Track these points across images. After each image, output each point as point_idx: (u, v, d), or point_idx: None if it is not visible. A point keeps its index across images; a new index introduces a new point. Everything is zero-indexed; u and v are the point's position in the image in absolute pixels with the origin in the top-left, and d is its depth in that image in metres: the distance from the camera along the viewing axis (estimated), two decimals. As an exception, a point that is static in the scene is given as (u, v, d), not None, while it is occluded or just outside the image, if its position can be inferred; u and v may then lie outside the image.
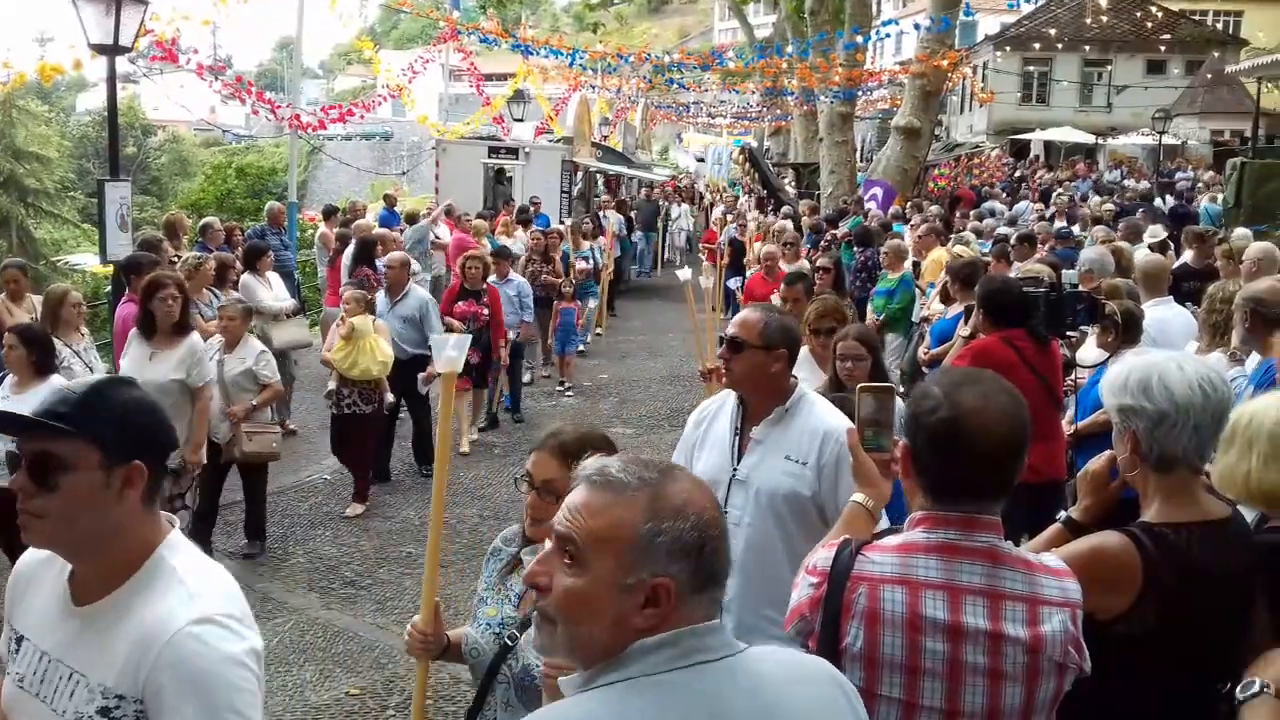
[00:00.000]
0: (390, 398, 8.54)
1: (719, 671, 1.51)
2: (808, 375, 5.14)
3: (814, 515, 3.36)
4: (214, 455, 6.87)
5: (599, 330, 15.99)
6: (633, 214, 22.95)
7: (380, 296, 9.04)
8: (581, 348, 13.97)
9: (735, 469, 3.49)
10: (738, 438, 3.53)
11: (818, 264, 8.81)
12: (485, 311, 9.72)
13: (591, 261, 14.78)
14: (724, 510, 2.67)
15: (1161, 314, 6.57)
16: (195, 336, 6.64)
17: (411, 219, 15.76)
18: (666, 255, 25.33)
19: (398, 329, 8.77)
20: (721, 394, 3.73)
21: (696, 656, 1.51)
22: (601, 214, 20.05)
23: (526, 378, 12.36)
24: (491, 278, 10.34)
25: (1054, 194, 21.65)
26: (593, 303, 14.82)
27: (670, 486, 1.58)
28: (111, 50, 9.51)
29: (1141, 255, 9.26)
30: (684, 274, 6.82)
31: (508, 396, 11.37)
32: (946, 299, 8.35)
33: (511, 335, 10.36)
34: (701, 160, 43.66)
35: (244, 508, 7.46)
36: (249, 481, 7.36)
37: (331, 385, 8.27)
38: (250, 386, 7.12)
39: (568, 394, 12.29)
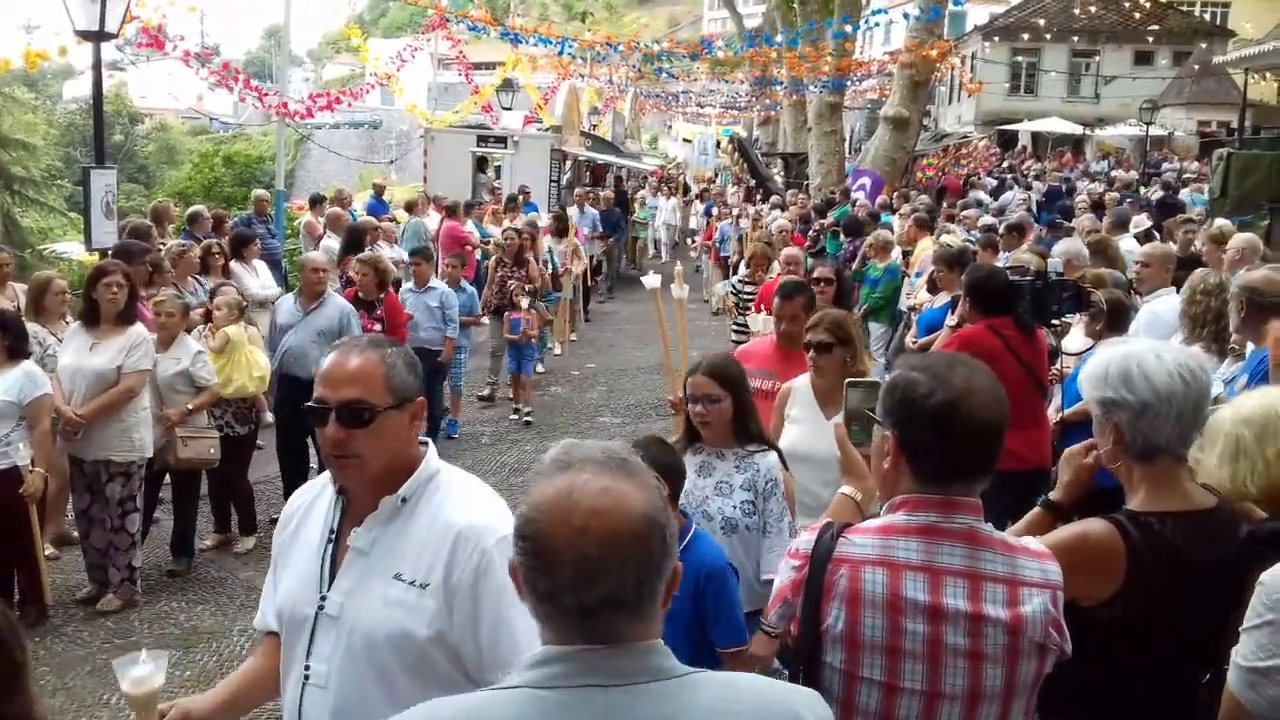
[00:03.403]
0: (269, 416, 7.37)
1: (607, 697, 1.46)
2: (806, 414, 4.62)
3: (441, 666, 2.21)
4: (148, 462, 6.47)
5: (557, 350, 13.89)
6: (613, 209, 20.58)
7: (290, 304, 7.85)
8: (540, 369, 12.26)
9: (324, 597, 2.29)
10: (332, 545, 2.34)
11: (816, 274, 7.37)
12: (378, 327, 8.11)
13: (550, 265, 12.81)
14: (306, 666, 2.29)
15: (1168, 305, 6.23)
16: (139, 326, 6.39)
17: (410, 208, 15.70)
18: (652, 251, 24.73)
19: (308, 344, 7.43)
20: (323, 477, 2.49)
21: (590, 679, 1.47)
22: (574, 209, 17.50)
23: (485, 392, 11.35)
24: (409, 285, 9.24)
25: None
26: (523, 310, 11.13)
27: (549, 480, 1.52)
28: (97, 37, 9.46)
29: (1127, 245, 9.29)
30: (650, 281, 5.94)
31: (450, 423, 10.11)
32: (934, 288, 8.38)
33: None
34: (689, 141, 43.42)
35: (212, 506, 7.40)
36: (179, 491, 6.99)
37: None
38: (185, 389, 6.69)
39: (526, 419, 10.60)
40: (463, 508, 2.30)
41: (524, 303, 10.55)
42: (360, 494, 2.34)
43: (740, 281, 10.33)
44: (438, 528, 2.26)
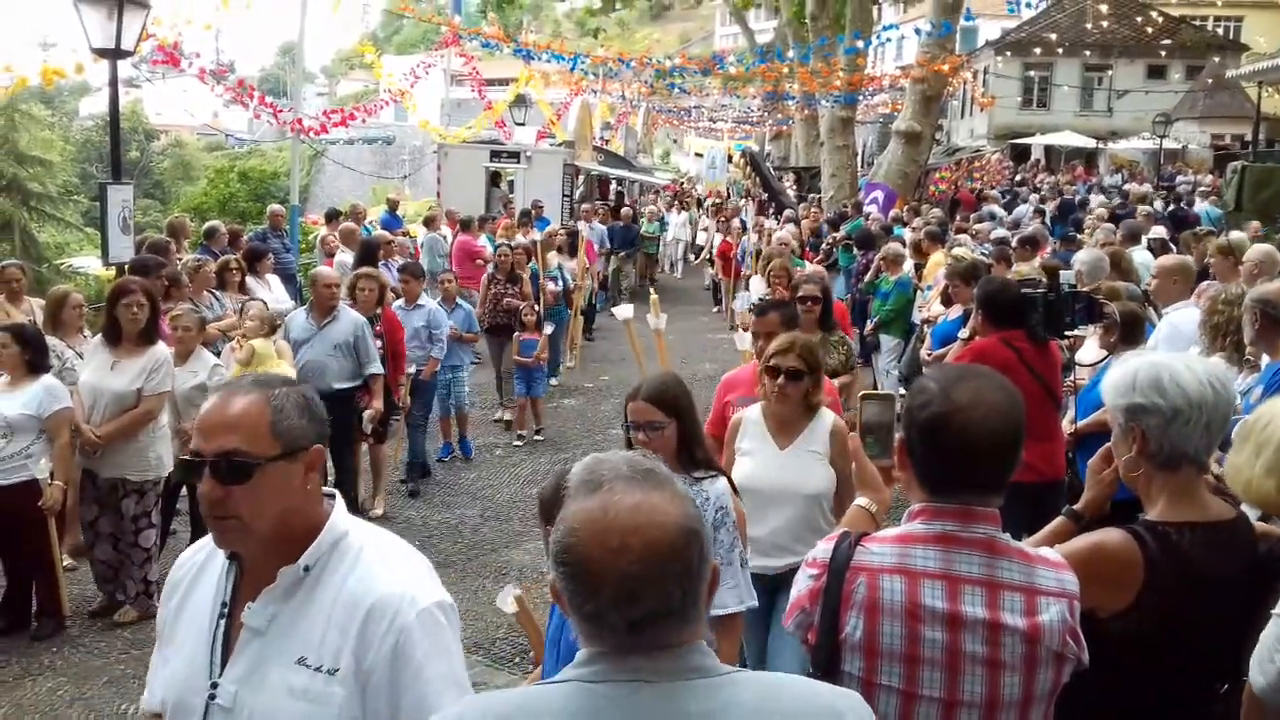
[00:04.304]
0: None
1: (652, 689, 1.50)
2: (757, 446, 4.38)
3: None
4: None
5: (570, 364, 13.67)
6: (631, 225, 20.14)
7: (301, 319, 7.81)
8: (555, 381, 12.02)
9: (215, 685, 1.99)
10: (224, 622, 2.03)
11: (801, 292, 6.93)
12: (379, 342, 7.99)
13: (561, 283, 12.38)
14: None
15: (1186, 317, 6.09)
16: (161, 346, 6.37)
17: (429, 224, 15.73)
18: (662, 267, 24.42)
19: (325, 357, 7.51)
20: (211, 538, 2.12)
21: (637, 675, 1.51)
22: (583, 224, 16.94)
23: (508, 418, 10.79)
24: (399, 303, 8.79)
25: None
26: (549, 329, 10.99)
27: (578, 500, 1.54)
28: (113, 54, 9.56)
29: (1140, 257, 9.27)
30: (621, 311, 5.74)
31: (454, 445, 9.79)
32: (948, 301, 8.37)
33: (411, 369, 8.58)
34: (701, 156, 43.48)
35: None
36: (196, 504, 7.03)
37: None
38: (202, 402, 6.74)
39: (537, 436, 10.33)
40: (376, 576, 2.00)
41: (547, 329, 10.29)
42: (254, 560, 2.02)
43: (761, 299, 9.90)
44: (346, 601, 1.97)
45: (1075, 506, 2.71)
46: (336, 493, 2.15)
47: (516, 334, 10.21)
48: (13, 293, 7.84)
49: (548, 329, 10.70)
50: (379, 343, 7.98)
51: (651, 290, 6.94)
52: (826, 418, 4.34)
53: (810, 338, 4.53)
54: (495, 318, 10.57)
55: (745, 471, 4.30)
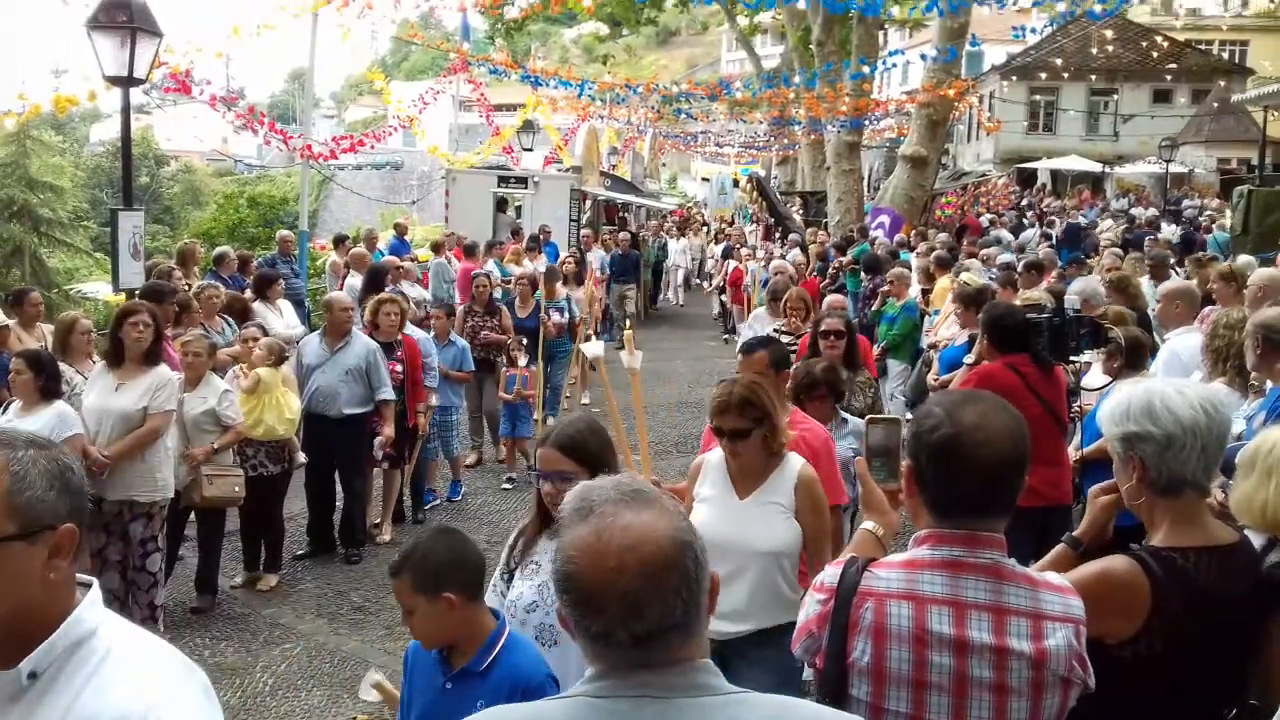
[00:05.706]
0: (302, 457, 7.43)
1: (657, 706, 1.53)
2: (716, 494, 3.99)
3: None
4: (173, 500, 6.43)
5: (586, 399, 12.92)
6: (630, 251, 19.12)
7: (315, 344, 7.83)
8: (552, 420, 10.61)
9: None
10: None
11: (823, 327, 6.49)
12: (399, 368, 7.97)
13: (566, 315, 11.56)
14: None
15: (1185, 343, 6.08)
16: (165, 367, 6.37)
17: (437, 249, 15.78)
18: (664, 295, 24.07)
19: (337, 382, 7.54)
20: None
21: (644, 690, 1.54)
22: (586, 250, 16.61)
23: (472, 459, 10.26)
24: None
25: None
26: (533, 365, 10.25)
27: (574, 529, 1.58)
28: (126, 82, 9.63)
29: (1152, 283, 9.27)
30: (591, 349, 5.58)
31: (454, 485, 9.38)
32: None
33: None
34: (708, 180, 43.41)
35: (239, 543, 7.38)
36: (204, 529, 7.00)
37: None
38: (212, 428, 6.72)
39: (514, 488, 9.61)
40: (119, 688, 1.62)
41: (522, 360, 9.72)
42: None
43: (776, 331, 8.63)
44: (88, 713, 1.60)
45: (1074, 533, 2.71)
46: (94, 581, 1.78)
47: (503, 369, 9.75)
48: (29, 319, 7.90)
49: (533, 365, 10.12)
50: (399, 368, 7.98)
51: (627, 324, 6.47)
52: (792, 465, 3.94)
53: (749, 382, 4.02)
54: (473, 353, 9.65)
55: (699, 522, 3.83)
